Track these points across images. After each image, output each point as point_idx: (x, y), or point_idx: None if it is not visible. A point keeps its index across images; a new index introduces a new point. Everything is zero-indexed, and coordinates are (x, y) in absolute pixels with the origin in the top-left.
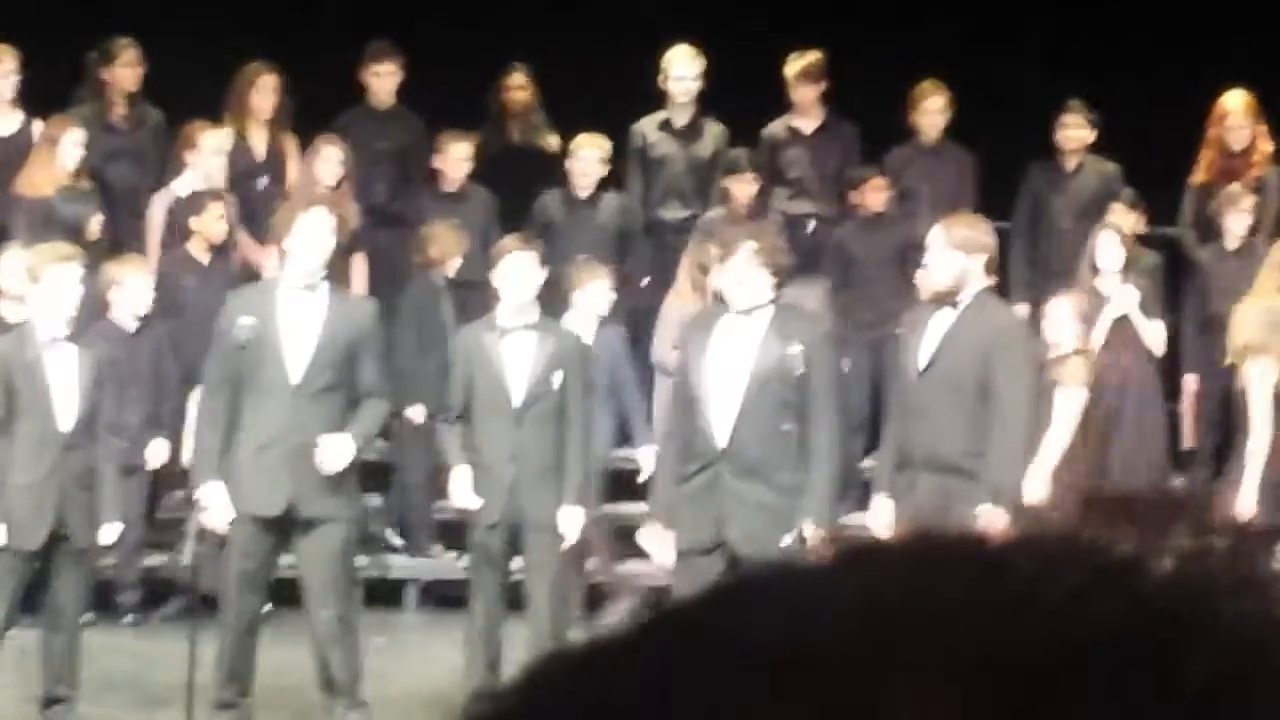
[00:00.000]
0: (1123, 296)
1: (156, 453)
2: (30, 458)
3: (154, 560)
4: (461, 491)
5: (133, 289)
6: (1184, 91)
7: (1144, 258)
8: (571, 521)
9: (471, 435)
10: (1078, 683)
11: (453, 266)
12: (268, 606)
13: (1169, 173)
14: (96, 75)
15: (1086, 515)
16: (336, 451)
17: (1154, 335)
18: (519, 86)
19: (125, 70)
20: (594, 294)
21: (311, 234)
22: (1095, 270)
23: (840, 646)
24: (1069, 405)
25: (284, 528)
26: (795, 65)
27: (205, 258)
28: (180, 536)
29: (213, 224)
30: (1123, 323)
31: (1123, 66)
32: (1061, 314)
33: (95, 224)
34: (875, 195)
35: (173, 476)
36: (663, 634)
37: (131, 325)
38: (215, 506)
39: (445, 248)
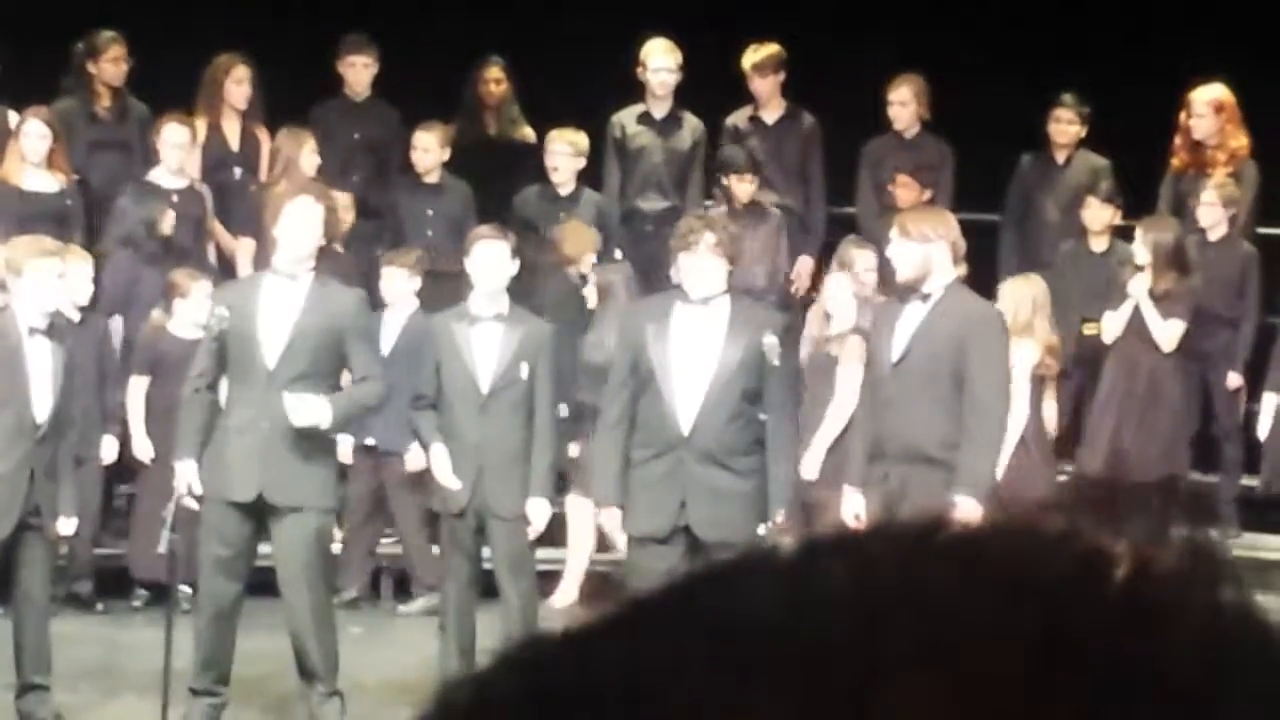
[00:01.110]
0: (1134, 287)
1: (108, 449)
2: (4, 447)
3: (107, 550)
4: (442, 470)
5: (74, 279)
6: (1175, 82)
7: (1121, 250)
8: (538, 513)
9: (441, 422)
10: (1065, 681)
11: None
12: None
13: (1160, 165)
14: (82, 68)
15: (1060, 504)
16: (308, 409)
17: (1162, 330)
18: (495, 79)
19: (109, 64)
20: (394, 283)
21: (298, 222)
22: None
23: (830, 637)
24: (849, 381)
25: (259, 514)
26: (752, 57)
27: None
28: (160, 523)
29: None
30: (1137, 314)
31: (1114, 56)
32: (841, 292)
33: (168, 222)
34: (904, 193)
35: (122, 468)
36: (646, 622)
37: (74, 315)
38: (185, 484)
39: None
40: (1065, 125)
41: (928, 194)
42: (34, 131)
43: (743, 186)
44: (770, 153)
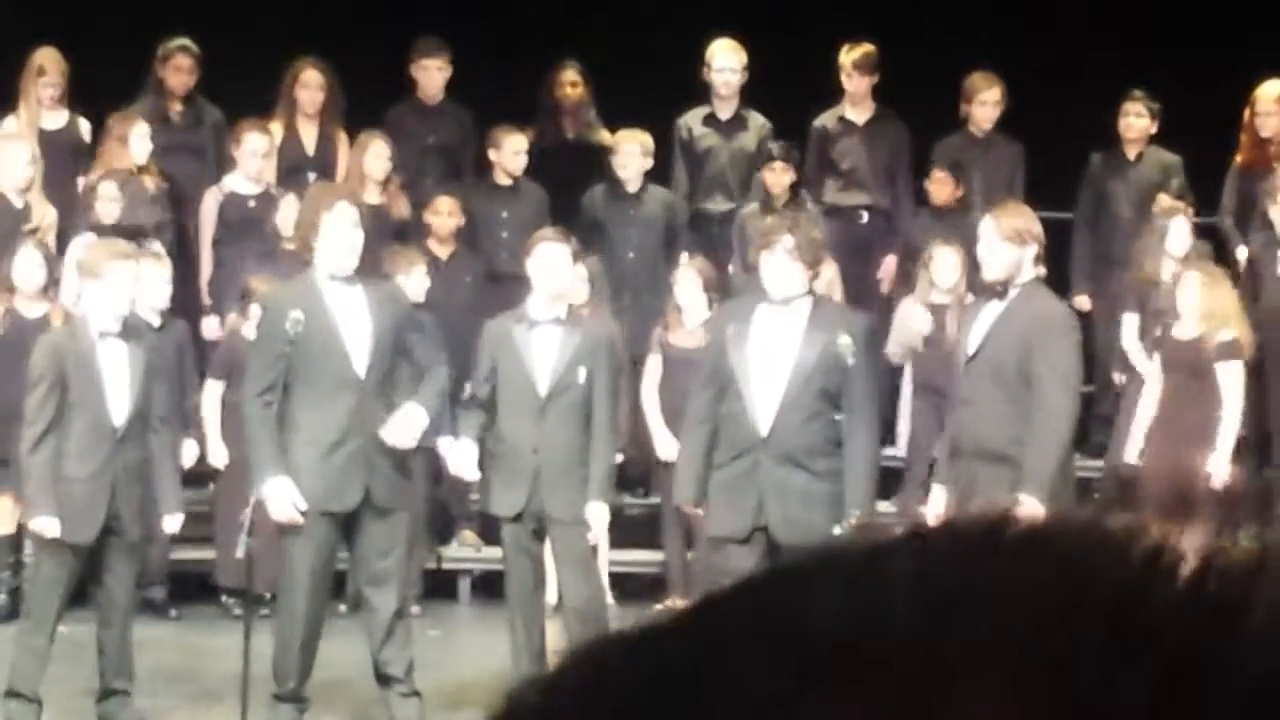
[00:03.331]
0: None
1: (188, 452)
2: (84, 452)
3: (181, 555)
4: (462, 463)
5: (151, 284)
6: (1242, 78)
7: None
8: (597, 517)
9: (497, 425)
10: (1132, 678)
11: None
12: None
13: (1226, 162)
14: (156, 73)
15: (1125, 500)
16: (410, 424)
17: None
18: (571, 82)
19: (173, 71)
20: (412, 281)
21: (344, 227)
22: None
23: (894, 636)
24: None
25: (351, 522)
26: (851, 55)
27: (443, 252)
28: (237, 529)
29: (444, 220)
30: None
31: (1183, 53)
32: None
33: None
34: (938, 188)
35: (193, 473)
36: (711, 622)
37: (154, 320)
38: (283, 502)
39: None
40: (1135, 121)
41: (960, 191)
42: (141, 133)
43: (777, 179)
44: (861, 153)
